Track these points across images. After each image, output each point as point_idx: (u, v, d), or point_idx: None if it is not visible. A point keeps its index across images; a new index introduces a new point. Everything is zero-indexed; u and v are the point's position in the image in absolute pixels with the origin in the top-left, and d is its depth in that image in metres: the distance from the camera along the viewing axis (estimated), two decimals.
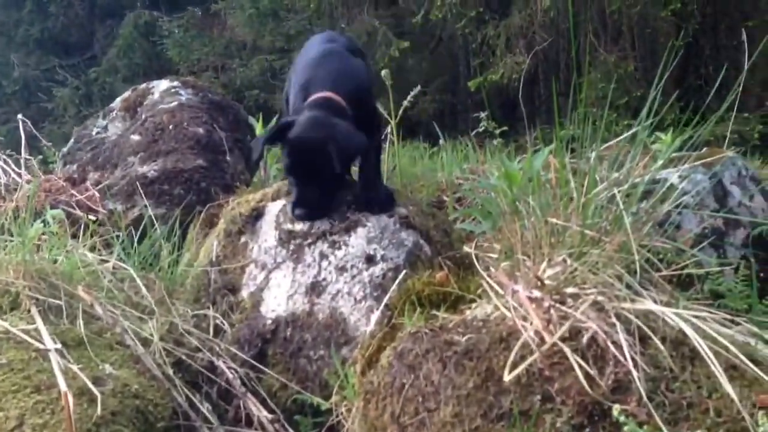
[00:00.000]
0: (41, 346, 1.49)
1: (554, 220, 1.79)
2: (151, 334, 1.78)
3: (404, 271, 1.97)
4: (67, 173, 3.61)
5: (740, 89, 2.08)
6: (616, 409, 1.30)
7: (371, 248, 2.04)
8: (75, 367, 1.45)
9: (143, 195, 3.06)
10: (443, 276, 1.89)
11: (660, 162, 2.77)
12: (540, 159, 2.32)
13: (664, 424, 1.32)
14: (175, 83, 3.78)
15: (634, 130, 1.99)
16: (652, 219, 1.93)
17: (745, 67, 2.40)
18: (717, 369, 1.40)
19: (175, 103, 3.57)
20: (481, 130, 4.43)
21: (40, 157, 4.07)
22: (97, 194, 3.17)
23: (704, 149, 3.10)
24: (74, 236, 2.36)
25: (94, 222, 2.96)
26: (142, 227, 2.47)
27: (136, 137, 3.47)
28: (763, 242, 2.56)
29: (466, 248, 1.95)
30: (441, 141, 4.78)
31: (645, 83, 7.50)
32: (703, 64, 7.71)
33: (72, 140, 3.90)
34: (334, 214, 2.14)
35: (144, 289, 1.89)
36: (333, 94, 2.15)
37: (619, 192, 1.96)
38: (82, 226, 2.64)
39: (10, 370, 1.44)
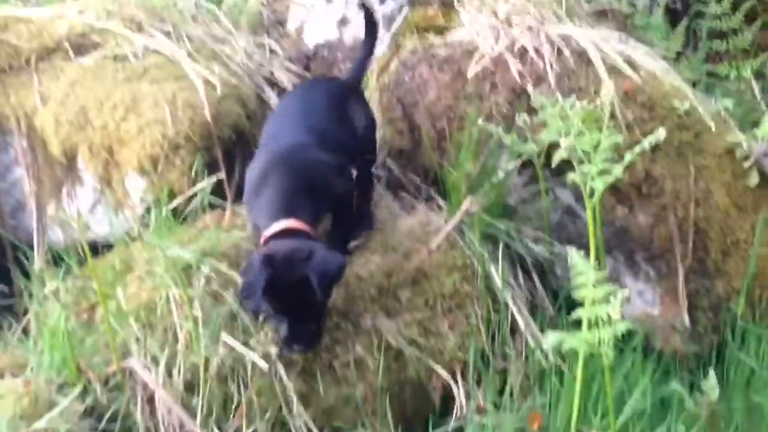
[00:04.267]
0: (173, 54, 2.34)
1: None
2: (233, 52, 2.61)
3: (407, 9, 2.70)
4: None
5: None
6: (531, 90, 2.16)
7: None
8: (198, 66, 2.30)
9: None
10: (435, 13, 2.65)
11: None
12: None
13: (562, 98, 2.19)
14: None
15: None
16: None
17: None
18: (599, 67, 2.24)
19: None
20: None
21: None
22: None
23: None
24: None
25: None
26: None
27: None
28: None
29: None
30: None
31: None
32: None
33: None
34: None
35: (225, 21, 2.69)
36: (293, 221, 1.92)
37: None
38: None
39: (158, 70, 2.31)
